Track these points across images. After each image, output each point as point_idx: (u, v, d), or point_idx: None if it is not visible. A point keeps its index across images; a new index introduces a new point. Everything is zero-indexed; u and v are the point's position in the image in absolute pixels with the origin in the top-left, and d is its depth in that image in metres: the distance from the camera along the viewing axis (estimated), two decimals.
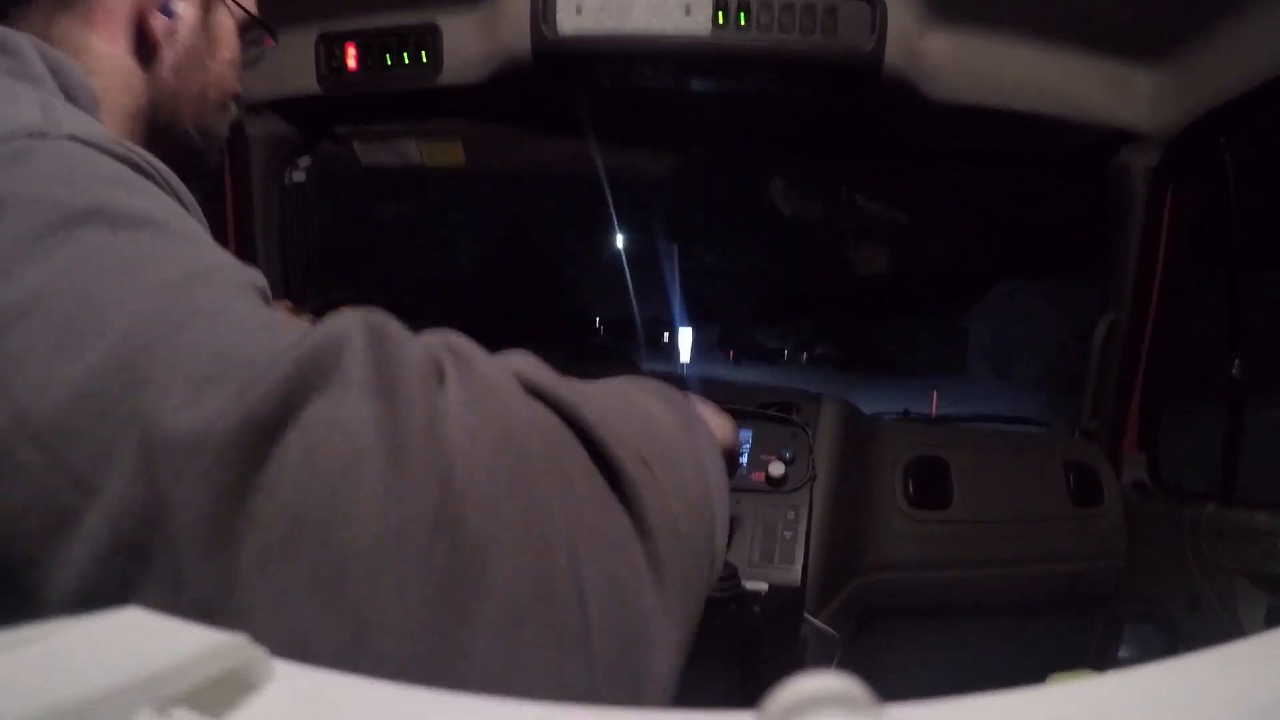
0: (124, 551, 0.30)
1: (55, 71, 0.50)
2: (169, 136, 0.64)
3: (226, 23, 0.68)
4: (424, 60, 1.43)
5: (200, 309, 0.35)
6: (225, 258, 0.41)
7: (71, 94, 0.51)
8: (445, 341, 0.38)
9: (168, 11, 0.61)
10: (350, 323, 0.35)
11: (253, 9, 0.71)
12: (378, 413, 0.32)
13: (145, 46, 0.60)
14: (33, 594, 0.31)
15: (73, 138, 0.42)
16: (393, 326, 0.36)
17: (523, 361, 0.41)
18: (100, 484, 0.31)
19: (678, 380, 1.74)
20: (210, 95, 0.67)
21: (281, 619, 0.30)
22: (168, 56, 0.61)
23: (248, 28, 0.72)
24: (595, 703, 0.33)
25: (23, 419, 0.32)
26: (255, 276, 0.41)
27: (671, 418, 0.50)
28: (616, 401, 0.45)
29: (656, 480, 0.41)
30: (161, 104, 0.62)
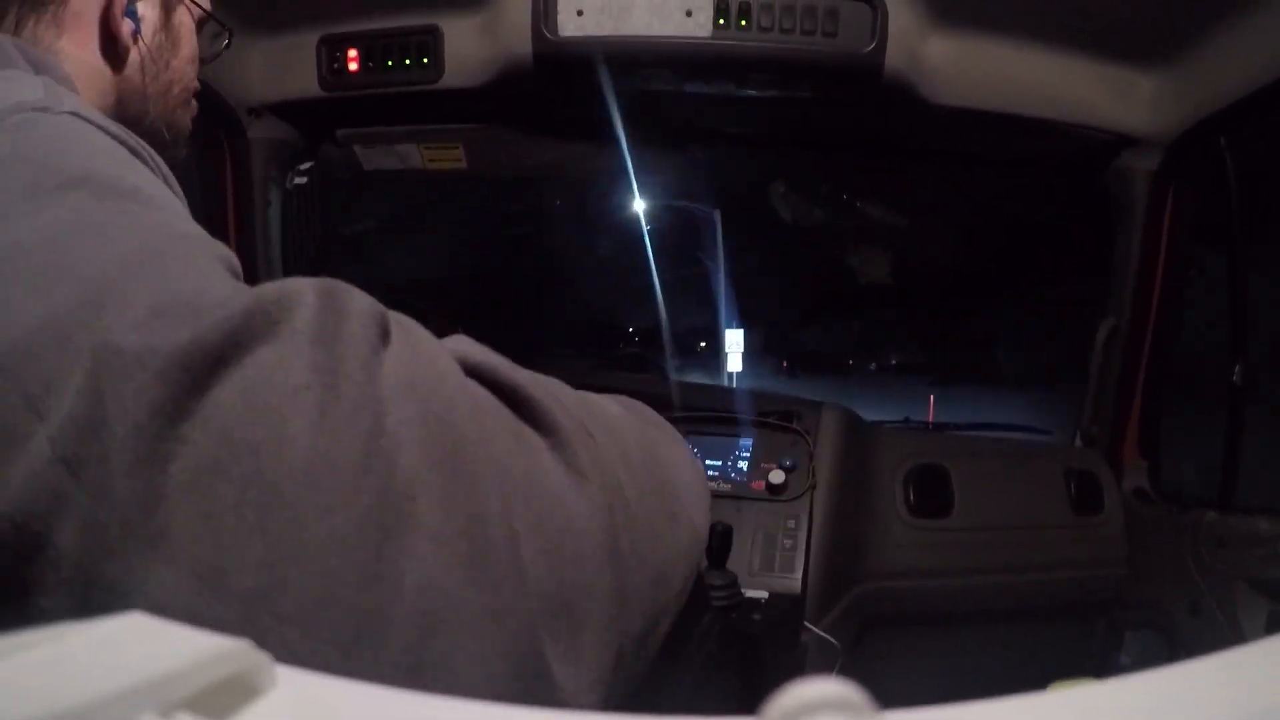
0: (58, 465, 0.31)
1: (34, 65, 0.53)
2: (138, 133, 0.66)
3: (186, 22, 0.71)
4: (425, 63, 1.43)
5: (169, 256, 0.36)
6: (202, 232, 0.42)
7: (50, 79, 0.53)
8: (388, 311, 0.40)
9: (132, 14, 0.63)
10: (305, 282, 0.36)
11: (208, 7, 0.74)
12: (318, 355, 0.33)
13: (113, 48, 0.62)
14: None
15: (74, 114, 0.44)
16: (344, 286, 0.37)
17: (465, 343, 0.43)
18: (51, 405, 0.31)
19: (667, 392, 1.74)
20: (174, 92, 0.70)
21: (203, 540, 0.30)
22: (133, 57, 0.64)
23: (205, 25, 0.75)
24: (533, 643, 0.34)
25: None
26: (229, 253, 0.41)
27: (617, 407, 0.51)
28: (555, 382, 0.46)
29: (596, 443, 0.42)
30: (129, 103, 0.65)
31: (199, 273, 0.36)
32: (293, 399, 0.32)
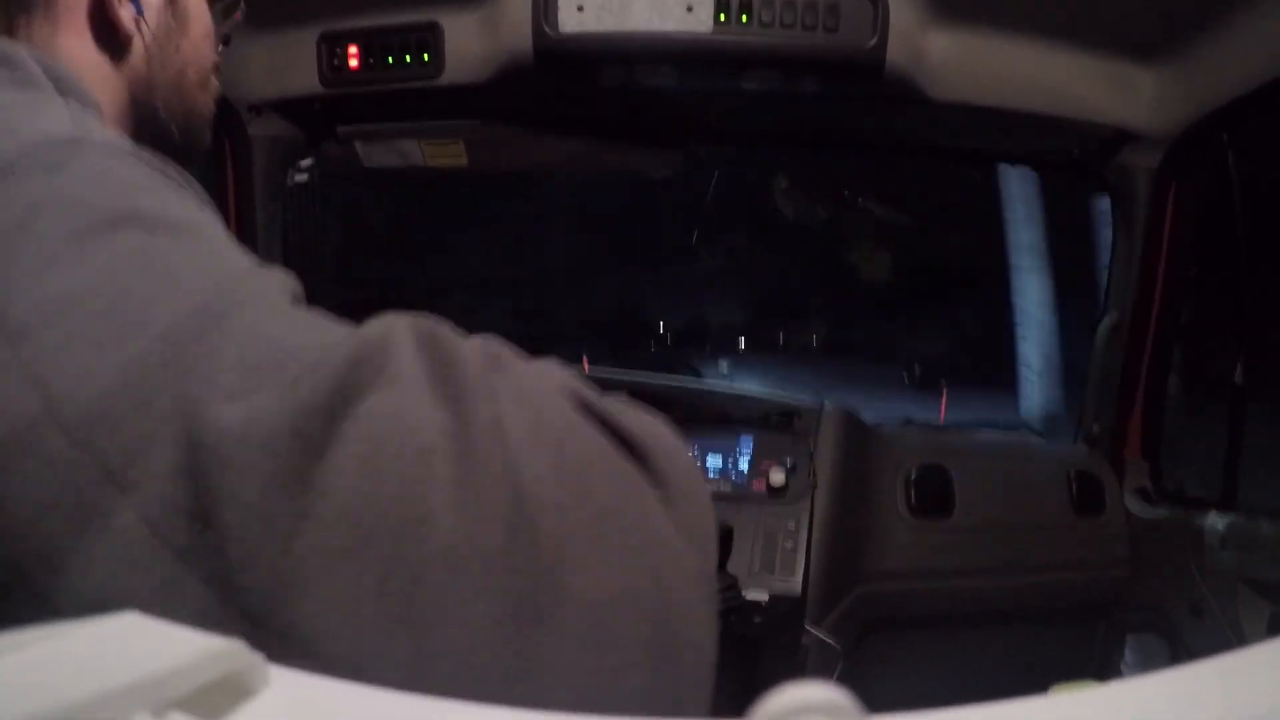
0: (166, 553, 0.28)
1: (55, 81, 0.50)
2: (153, 129, 0.62)
3: None
4: (426, 60, 1.43)
5: (244, 303, 0.34)
6: (259, 264, 0.40)
7: (77, 100, 0.50)
8: (484, 344, 0.37)
9: None
10: (398, 322, 0.34)
11: None
12: (440, 410, 0.31)
13: (114, 38, 0.58)
14: (45, 600, 0.29)
15: (107, 146, 0.41)
16: (442, 328, 0.35)
17: (560, 373, 0.40)
18: (136, 479, 0.29)
19: (668, 391, 1.74)
20: (189, 75, 0.64)
21: (340, 633, 0.28)
22: (137, 45, 0.59)
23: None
24: (679, 712, 0.32)
25: (54, 410, 0.30)
26: (292, 280, 0.40)
27: (676, 438, 0.49)
28: (644, 417, 0.43)
29: (690, 495, 0.39)
30: (139, 97, 0.60)
31: (281, 318, 0.34)
32: (423, 466, 0.29)
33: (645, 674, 0.31)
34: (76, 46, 0.56)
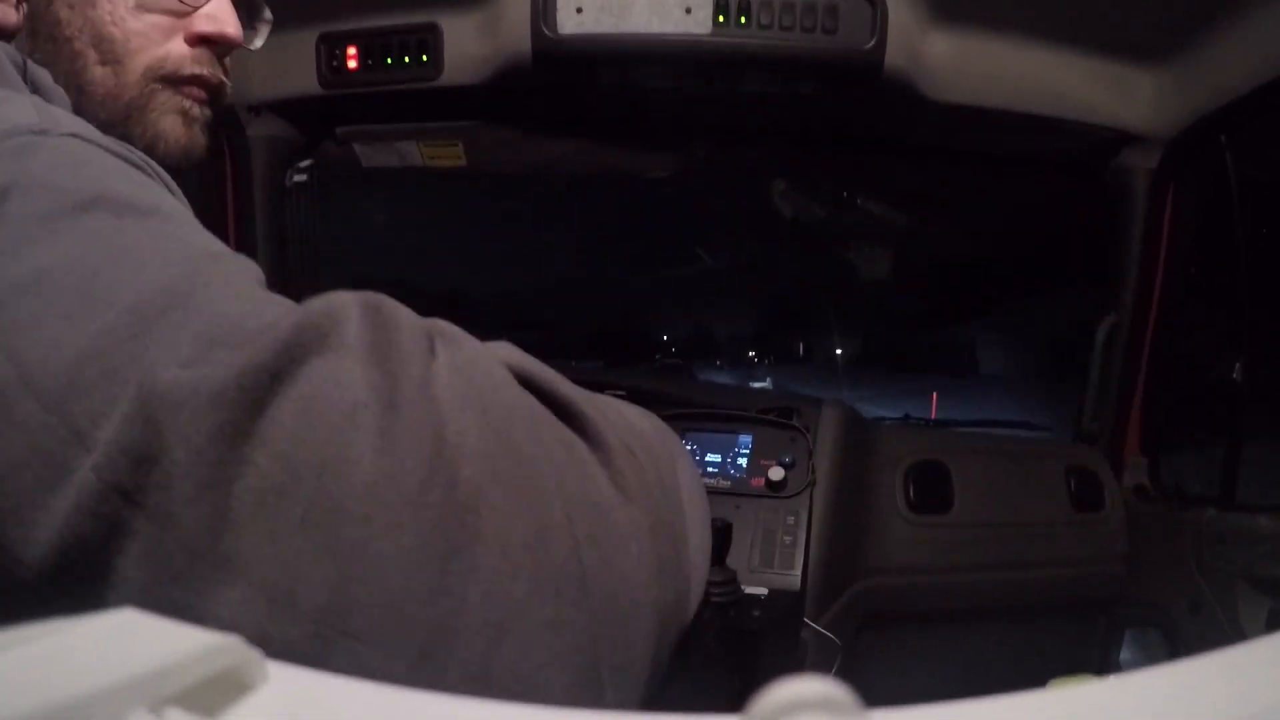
0: (114, 495, 0.31)
1: (26, 75, 0.51)
2: (83, 91, 0.59)
3: None
4: (424, 61, 1.43)
5: (209, 282, 0.36)
6: (226, 248, 0.42)
7: (46, 97, 0.51)
8: (433, 323, 0.40)
9: None
10: (347, 296, 0.36)
11: None
12: (373, 372, 0.33)
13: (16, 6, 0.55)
14: (9, 550, 0.31)
15: (74, 135, 0.42)
16: (388, 300, 0.37)
17: (511, 351, 0.43)
18: (97, 437, 0.31)
19: (668, 389, 1.74)
20: (76, 46, 0.58)
21: (271, 562, 0.30)
22: (29, 24, 0.56)
23: None
24: (591, 654, 0.35)
25: (26, 377, 0.32)
26: (255, 267, 0.41)
27: (647, 423, 0.51)
28: (596, 396, 0.46)
29: (639, 462, 0.42)
30: (46, 87, 0.54)
31: (241, 297, 0.36)
32: (352, 417, 0.32)
33: (552, 606, 0.34)
34: None
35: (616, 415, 0.46)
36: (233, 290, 0.36)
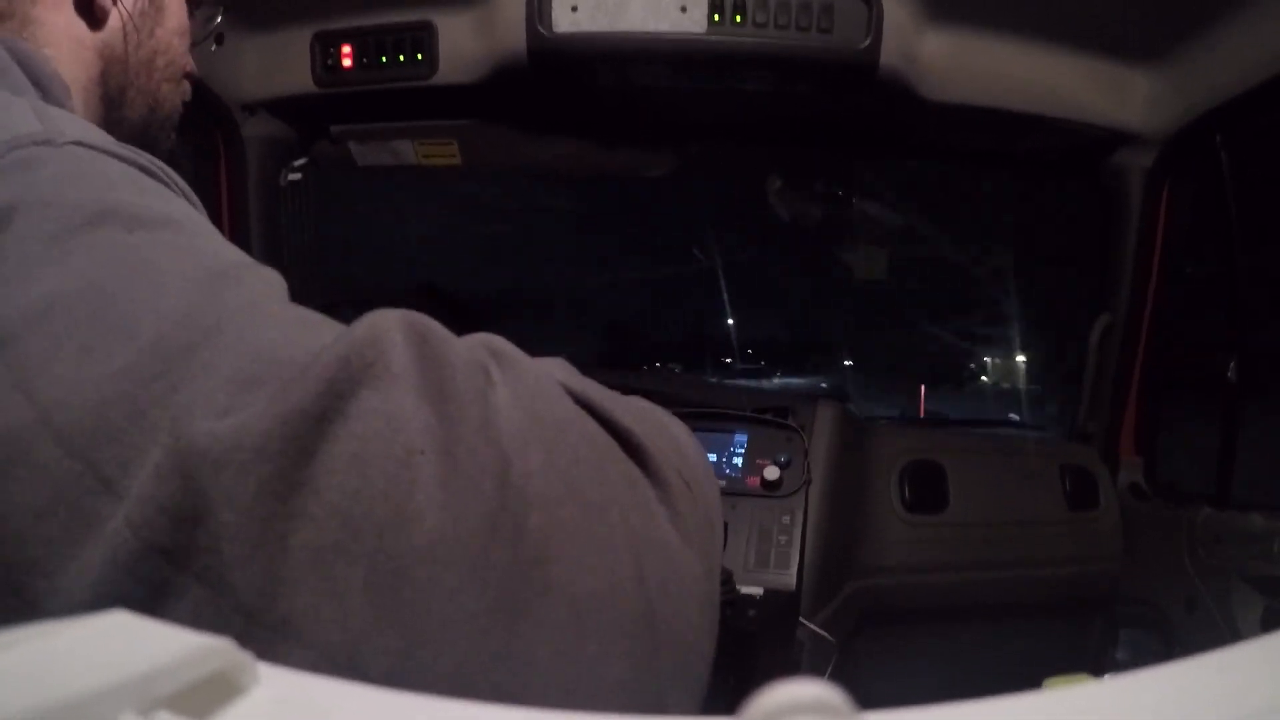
0: (155, 554, 0.29)
1: (25, 66, 0.50)
2: (121, 106, 0.63)
3: None
4: (419, 59, 1.43)
5: (233, 308, 0.34)
6: (245, 256, 0.40)
7: (46, 89, 0.51)
8: (484, 342, 0.38)
9: None
10: (390, 320, 0.34)
11: None
12: (427, 410, 0.31)
13: (91, 11, 0.59)
14: (35, 607, 0.29)
15: (78, 143, 0.41)
16: (434, 326, 0.35)
17: (563, 369, 0.41)
18: (129, 485, 0.29)
19: (663, 388, 1.74)
20: (159, 64, 0.66)
21: (333, 625, 0.28)
22: (114, 21, 0.60)
23: (198, 4, 0.71)
24: (658, 708, 0.33)
25: (46, 419, 0.30)
26: (278, 276, 0.40)
27: (688, 438, 0.49)
28: (649, 417, 0.45)
29: (694, 498, 0.40)
30: (112, 72, 0.61)
31: (272, 318, 0.34)
32: (409, 465, 0.30)
33: (625, 666, 0.32)
34: (54, 15, 0.57)
35: (669, 442, 0.43)
36: (262, 316, 0.34)
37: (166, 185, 0.44)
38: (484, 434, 0.32)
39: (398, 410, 0.31)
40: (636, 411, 0.42)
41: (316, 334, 0.34)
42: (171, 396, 0.30)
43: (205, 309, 0.33)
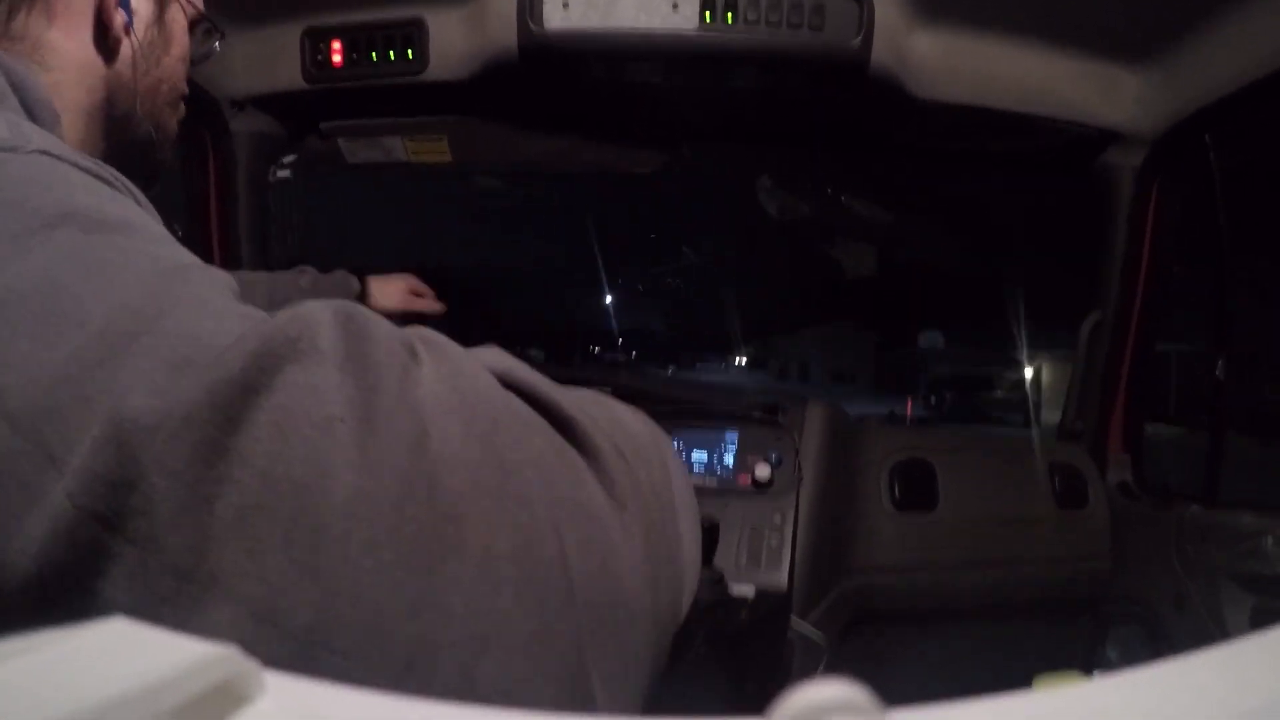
0: (91, 521, 0.30)
1: (18, 88, 0.51)
2: (124, 130, 0.65)
3: (180, 20, 0.70)
4: (410, 56, 1.42)
5: (180, 300, 0.36)
6: (196, 259, 0.41)
7: (33, 111, 0.52)
8: (416, 331, 0.40)
9: (125, 5, 0.62)
10: (318, 306, 0.36)
11: (202, 7, 0.74)
12: (350, 383, 0.33)
13: (104, 40, 0.61)
14: None
15: (44, 152, 0.43)
16: (363, 309, 0.37)
17: (497, 355, 0.43)
18: (70, 461, 0.31)
19: (654, 387, 1.74)
20: (163, 90, 0.69)
21: (255, 579, 0.30)
22: (125, 51, 0.63)
23: (198, 24, 0.74)
24: (578, 664, 0.34)
25: None
26: (227, 277, 0.41)
27: (639, 423, 0.51)
28: (587, 397, 0.46)
29: (630, 466, 0.42)
30: (118, 99, 0.64)
31: (211, 314, 0.36)
32: (329, 431, 0.32)
33: (538, 620, 0.33)
34: (68, 41, 0.59)
35: (605, 416, 0.45)
36: (203, 308, 0.36)
37: (124, 195, 0.46)
38: (403, 402, 0.34)
39: (321, 383, 0.33)
40: (576, 395, 0.43)
41: (249, 320, 0.36)
42: (114, 377, 0.32)
43: (151, 301, 0.35)
